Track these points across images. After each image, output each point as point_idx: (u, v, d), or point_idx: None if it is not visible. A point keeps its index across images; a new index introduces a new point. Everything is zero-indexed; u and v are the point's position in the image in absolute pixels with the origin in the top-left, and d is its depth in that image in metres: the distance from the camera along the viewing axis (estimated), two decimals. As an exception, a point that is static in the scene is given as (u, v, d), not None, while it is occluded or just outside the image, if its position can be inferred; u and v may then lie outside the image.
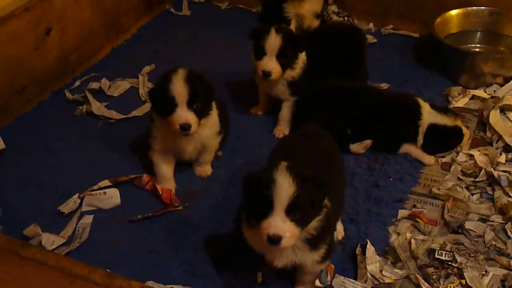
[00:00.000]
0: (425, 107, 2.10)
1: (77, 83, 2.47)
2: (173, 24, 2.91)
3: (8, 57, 2.18)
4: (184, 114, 1.81)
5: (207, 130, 1.93)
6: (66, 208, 1.91)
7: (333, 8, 2.84)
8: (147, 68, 2.57)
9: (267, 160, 1.74)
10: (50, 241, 1.80)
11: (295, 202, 1.38)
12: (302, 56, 2.13)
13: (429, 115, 2.09)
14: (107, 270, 1.67)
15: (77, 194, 1.94)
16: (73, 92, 2.42)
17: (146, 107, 2.34)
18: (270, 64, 2.04)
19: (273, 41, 2.02)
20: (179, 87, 1.80)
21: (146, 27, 2.86)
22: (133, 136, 2.21)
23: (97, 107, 2.32)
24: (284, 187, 1.37)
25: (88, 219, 1.88)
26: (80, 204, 1.93)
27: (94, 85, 2.44)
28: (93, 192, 1.95)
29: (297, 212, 1.39)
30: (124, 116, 2.31)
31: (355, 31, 2.40)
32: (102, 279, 1.25)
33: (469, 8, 2.56)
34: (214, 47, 2.72)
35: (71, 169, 2.08)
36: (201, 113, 1.87)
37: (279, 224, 1.38)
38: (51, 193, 1.97)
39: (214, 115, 1.94)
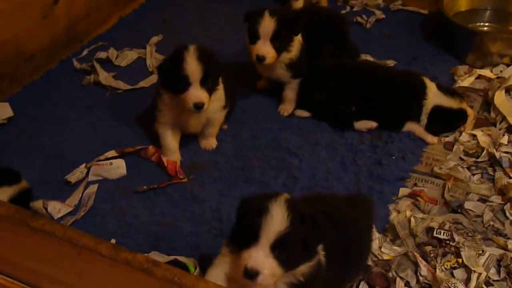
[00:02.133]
0: (432, 87, 2.11)
1: (85, 52, 2.48)
2: (180, -7, 2.89)
3: (16, 26, 2.19)
4: (198, 93, 1.83)
5: (213, 104, 1.94)
6: (72, 177, 1.93)
7: (342, -19, 2.81)
8: (154, 39, 2.57)
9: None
10: (57, 209, 1.83)
11: (283, 239, 1.24)
12: (298, 38, 2.10)
13: (434, 96, 2.10)
14: (112, 240, 1.74)
15: (84, 164, 1.96)
16: (81, 61, 2.43)
17: (153, 78, 2.35)
18: (264, 48, 2.01)
19: (267, 24, 1.99)
20: (193, 66, 1.80)
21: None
22: (140, 107, 2.22)
23: (104, 77, 2.33)
24: (276, 220, 1.24)
25: (93, 188, 1.91)
26: (87, 174, 1.95)
27: (102, 54, 2.45)
28: (99, 162, 1.97)
29: (284, 250, 1.25)
30: (131, 87, 2.32)
31: (332, 13, 2.41)
32: (108, 251, 1.28)
33: (479, -15, 2.54)
34: (222, 18, 2.71)
35: (77, 139, 2.09)
36: (212, 90, 1.89)
37: (260, 258, 1.24)
38: (58, 162, 1.99)
39: (220, 89, 1.95)
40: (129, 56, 2.47)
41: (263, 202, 1.27)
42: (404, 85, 2.13)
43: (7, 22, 2.15)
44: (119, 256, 1.28)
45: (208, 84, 1.85)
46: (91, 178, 1.95)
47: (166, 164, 1.98)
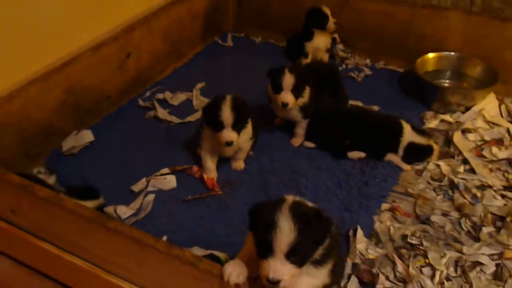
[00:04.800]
0: (407, 127, 2.07)
1: (148, 93, 2.47)
2: (220, 52, 2.89)
3: (100, 74, 2.20)
4: (229, 134, 1.83)
5: (243, 137, 1.93)
6: (136, 187, 1.92)
7: (340, 46, 2.78)
8: (199, 85, 2.55)
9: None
10: (123, 211, 1.82)
11: (295, 247, 1.11)
12: (308, 87, 2.09)
13: (409, 135, 2.06)
14: (164, 237, 1.72)
15: (145, 178, 1.95)
16: (144, 100, 2.42)
17: (198, 114, 2.33)
18: (287, 97, 1.99)
19: (288, 79, 1.97)
20: (227, 114, 1.81)
21: (200, 54, 2.83)
22: (188, 136, 2.20)
23: (162, 113, 2.32)
24: (285, 233, 1.10)
25: (151, 197, 1.89)
26: (146, 185, 1.94)
27: (160, 95, 2.44)
28: (156, 177, 1.96)
29: (297, 254, 1.12)
30: (181, 121, 2.30)
31: (331, 68, 2.37)
32: (163, 247, 1.27)
33: (442, 52, 2.51)
34: (250, 71, 2.68)
35: (141, 159, 2.08)
36: (241, 130, 1.88)
37: (278, 267, 1.11)
38: (126, 176, 1.98)
39: (249, 126, 1.94)
40: (180, 97, 2.45)
41: (270, 215, 1.13)
42: (387, 126, 2.09)
43: (94, 71, 2.17)
44: (172, 252, 1.27)
45: (238, 127, 1.85)
46: (149, 189, 1.93)
47: (206, 180, 1.96)
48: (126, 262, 1.37)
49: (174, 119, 2.31)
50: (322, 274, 1.22)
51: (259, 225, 1.14)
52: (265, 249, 1.13)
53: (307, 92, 2.08)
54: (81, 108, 2.15)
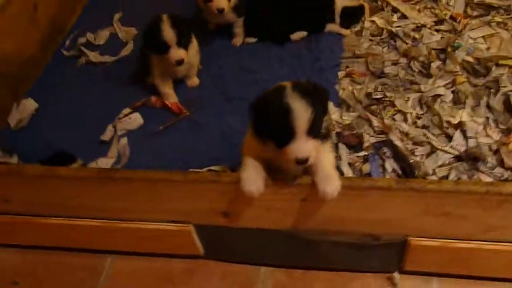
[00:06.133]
0: (337, -5, 2.12)
1: (67, 42, 2.30)
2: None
3: (14, 35, 2.04)
4: (177, 53, 1.79)
5: (191, 52, 1.90)
6: (106, 136, 1.87)
7: None
8: (117, 16, 2.40)
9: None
10: (105, 162, 1.79)
11: (312, 122, 1.13)
12: None
13: (340, 1, 2.12)
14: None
15: (110, 124, 1.90)
16: (68, 49, 2.27)
17: (130, 46, 2.23)
18: (221, 2, 1.95)
19: None
20: (169, 32, 1.75)
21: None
22: (129, 71, 2.11)
23: (93, 55, 2.19)
24: (301, 111, 1.12)
25: (124, 140, 1.85)
26: (115, 131, 1.88)
27: (81, 40, 2.29)
28: (121, 120, 1.90)
29: (314, 128, 1.15)
30: (117, 57, 2.20)
31: None
32: (180, 176, 1.28)
33: None
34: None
35: (96, 108, 1.99)
36: (187, 45, 1.84)
37: (304, 146, 1.14)
38: (90, 130, 1.90)
39: (193, 40, 1.90)
40: (103, 35, 2.31)
41: (280, 102, 1.13)
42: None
43: (7, 33, 1.99)
44: (189, 177, 1.28)
45: (184, 43, 1.80)
46: (119, 133, 1.88)
47: (170, 106, 1.94)
48: (134, 205, 1.37)
49: (108, 59, 2.20)
50: (329, 146, 1.29)
51: (271, 115, 1.15)
52: (285, 135, 1.15)
53: None
54: (10, 77, 1.99)
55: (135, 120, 1.91)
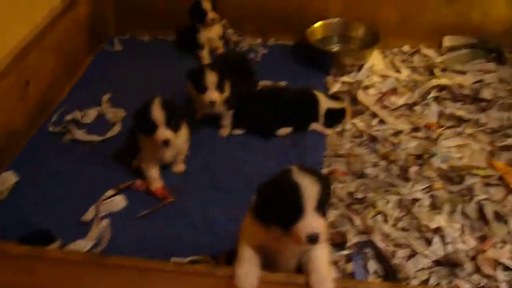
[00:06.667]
0: (321, 96, 2.24)
1: (54, 117, 2.29)
2: (111, 58, 2.77)
3: (4, 108, 2.04)
4: (163, 133, 1.82)
5: (181, 139, 1.95)
6: (87, 217, 1.83)
7: (230, 31, 2.84)
8: (105, 97, 2.43)
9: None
10: (83, 245, 1.73)
11: (320, 200, 1.17)
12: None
13: (325, 102, 2.24)
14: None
15: (93, 205, 1.86)
16: (54, 125, 2.26)
17: (117, 128, 2.25)
18: (214, 95, 2.03)
19: (211, 77, 2.01)
20: (157, 112, 1.80)
21: (92, 64, 2.69)
22: (115, 152, 2.12)
23: (80, 134, 2.19)
24: (311, 189, 1.15)
25: (105, 222, 1.81)
26: (96, 212, 1.85)
27: (68, 117, 2.29)
28: (104, 202, 1.88)
29: (322, 207, 1.18)
30: (103, 138, 2.20)
31: (243, 58, 2.49)
32: (173, 267, 1.26)
33: (326, 20, 2.71)
34: (150, 72, 2.63)
35: (78, 187, 1.96)
36: (176, 127, 1.87)
37: (314, 223, 1.16)
38: (70, 209, 1.86)
39: (184, 127, 1.95)
40: (91, 114, 2.32)
41: (289, 182, 1.17)
42: (304, 99, 2.24)
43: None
44: (182, 269, 1.26)
45: (171, 124, 1.84)
46: (101, 214, 1.85)
47: (154, 191, 1.93)
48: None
49: (95, 138, 2.20)
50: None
51: (279, 193, 1.17)
52: (294, 213, 1.16)
53: (227, 86, 2.12)
54: (-7, 149, 1.96)
55: (118, 202, 1.89)
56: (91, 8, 2.68)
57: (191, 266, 1.26)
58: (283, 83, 2.51)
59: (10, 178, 1.94)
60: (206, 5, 2.58)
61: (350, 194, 1.94)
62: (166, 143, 1.83)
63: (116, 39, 2.88)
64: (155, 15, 2.85)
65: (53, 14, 2.38)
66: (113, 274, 1.27)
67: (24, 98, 2.12)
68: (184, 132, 1.95)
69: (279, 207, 1.18)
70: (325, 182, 1.22)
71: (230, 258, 1.65)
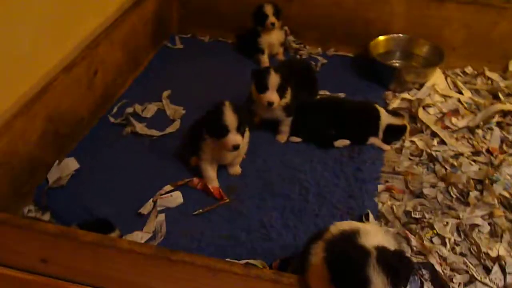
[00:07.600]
0: (382, 111, 2.22)
1: (115, 109, 2.34)
2: (172, 55, 2.80)
3: (73, 96, 2.09)
4: (235, 138, 1.83)
5: (245, 140, 1.95)
6: (144, 210, 1.85)
7: (291, 37, 2.84)
8: (165, 93, 2.47)
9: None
10: (139, 237, 1.76)
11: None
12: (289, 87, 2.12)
13: (386, 117, 2.20)
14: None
15: (151, 199, 1.89)
16: (115, 117, 2.31)
17: (176, 124, 2.27)
18: (273, 96, 2.03)
19: (274, 78, 2.01)
20: (231, 117, 1.81)
21: (153, 60, 2.73)
22: (173, 148, 2.14)
23: (140, 127, 2.22)
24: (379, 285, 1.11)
25: (162, 217, 1.83)
26: (154, 206, 1.87)
27: (129, 109, 2.33)
28: (162, 196, 1.90)
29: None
30: (162, 133, 2.23)
31: (308, 67, 2.48)
32: (241, 270, 1.26)
33: (391, 34, 2.69)
34: (208, 71, 2.67)
35: (136, 180, 1.99)
36: (244, 132, 1.89)
37: None
38: (127, 201, 1.88)
39: (247, 129, 1.95)
40: (151, 109, 2.36)
41: (361, 271, 1.12)
42: (365, 112, 2.21)
43: (68, 93, 2.05)
44: (250, 273, 1.26)
45: (241, 130, 1.85)
46: (158, 208, 1.87)
47: (212, 190, 1.94)
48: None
49: (155, 133, 2.23)
50: None
51: (349, 282, 1.14)
52: None
53: (289, 92, 2.12)
54: (59, 135, 2.01)
55: (176, 198, 1.90)
56: (157, 6, 2.72)
57: (260, 270, 1.25)
58: (341, 95, 2.49)
59: (72, 165, 1.98)
60: (268, 9, 2.60)
61: (407, 213, 1.90)
62: (236, 147, 1.84)
63: (178, 37, 2.92)
64: (217, 16, 2.89)
65: (123, 8, 2.44)
66: (180, 270, 1.28)
67: (91, 87, 2.17)
68: (246, 134, 1.95)
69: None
70: (404, 274, 1.16)
71: (283, 265, 1.66)
